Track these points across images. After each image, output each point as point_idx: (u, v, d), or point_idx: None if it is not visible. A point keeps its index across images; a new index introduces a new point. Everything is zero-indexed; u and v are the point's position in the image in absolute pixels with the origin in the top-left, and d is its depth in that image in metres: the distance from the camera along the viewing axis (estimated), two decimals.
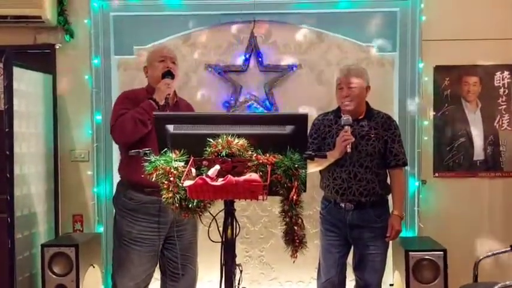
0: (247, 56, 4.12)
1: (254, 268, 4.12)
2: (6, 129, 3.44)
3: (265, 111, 4.10)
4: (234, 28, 4.13)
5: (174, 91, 3.15)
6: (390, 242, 3.16)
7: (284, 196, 2.02)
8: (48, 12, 4.00)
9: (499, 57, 4.04)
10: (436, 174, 4.10)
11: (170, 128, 2.15)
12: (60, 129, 4.14)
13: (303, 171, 2.02)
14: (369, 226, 3.05)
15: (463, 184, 4.08)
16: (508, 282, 2.70)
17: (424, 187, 4.04)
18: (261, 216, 4.13)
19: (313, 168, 3.00)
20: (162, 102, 2.96)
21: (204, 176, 1.90)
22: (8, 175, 3.44)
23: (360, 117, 3.10)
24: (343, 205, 3.06)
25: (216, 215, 2.15)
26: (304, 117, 2.13)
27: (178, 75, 3.18)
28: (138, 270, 2.99)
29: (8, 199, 3.46)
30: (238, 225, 2.15)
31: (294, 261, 2.07)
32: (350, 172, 3.02)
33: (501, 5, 4.03)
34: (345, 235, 3.10)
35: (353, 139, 2.94)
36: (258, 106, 4.15)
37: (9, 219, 3.46)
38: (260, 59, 4.12)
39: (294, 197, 1.98)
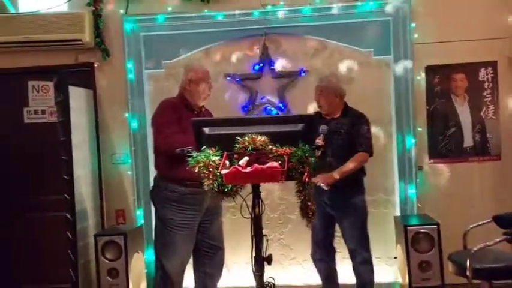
0: (261, 64, 4.64)
1: (275, 250, 4.43)
2: (62, 138, 4.04)
3: (279, 112, 4.62)
4: (248, 41, 4.67)
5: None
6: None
7: (298, 179, 2.57)
8: (87, 35, 4.59)
9: (482, 55, 4.47)
10: (431, 161, 4.55)
11: (206, 130, 2.71)
12: (101, 137, 4.70)
13: (312, 159, 2.57)
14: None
15: (455, 168, 4.53)
16: (482, 244, 3.18)
17: (420, 173, 4.51)
18: (278, 204, 4.65)
19: None
20: None
21: (236, 166, 2.47)
22: (67, 177, 4.04)
23: (336, 115, 3.73)
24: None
25: (246, 196, 2.69)
26: (312, 117, 2.71)
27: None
28: (183, 250, 3.52)
29: (68, 198, 4.06)
30: (264, 204, 2.71)
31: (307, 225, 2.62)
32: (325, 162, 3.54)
33: (483, 9, 4.46)
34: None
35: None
36: (273, 108, 4.67)
37: (69, 215, 4.04)
38: (272, 67, 4.64)
39: (306, 179, 2.54)
